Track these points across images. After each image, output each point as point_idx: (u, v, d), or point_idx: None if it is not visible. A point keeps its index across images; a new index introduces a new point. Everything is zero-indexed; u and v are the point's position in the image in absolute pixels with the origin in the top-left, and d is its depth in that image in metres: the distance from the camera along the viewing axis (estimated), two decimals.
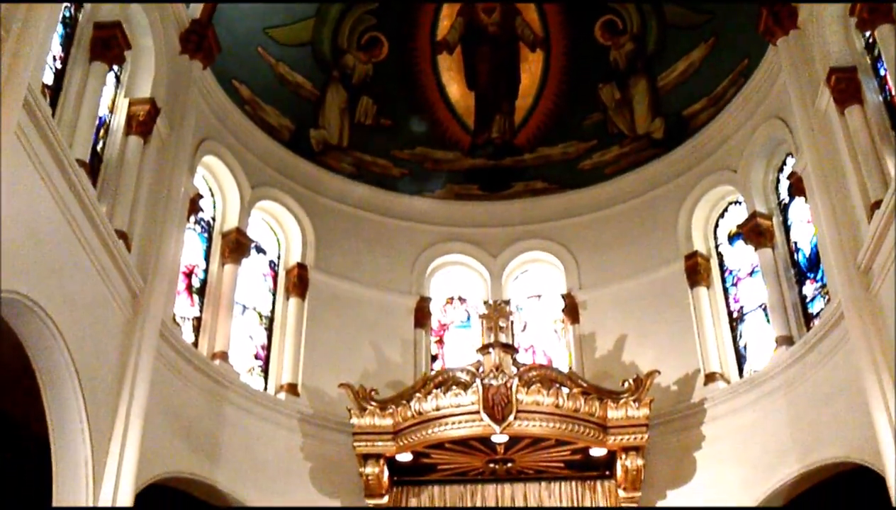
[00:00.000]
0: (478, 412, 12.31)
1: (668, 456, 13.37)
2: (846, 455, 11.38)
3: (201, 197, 13.79)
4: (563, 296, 15.60)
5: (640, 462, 12.51)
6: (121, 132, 12.02)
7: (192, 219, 13.79)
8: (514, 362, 12.95)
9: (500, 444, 12.61)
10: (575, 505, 13.14)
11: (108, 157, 11.73)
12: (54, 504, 9.73)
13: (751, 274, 14.45)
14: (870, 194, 11.07)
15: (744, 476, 12.74)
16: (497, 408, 12.26)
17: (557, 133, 16.23)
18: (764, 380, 12.98)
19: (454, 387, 12.59)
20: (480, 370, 12.72)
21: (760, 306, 14.04)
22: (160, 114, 12.38)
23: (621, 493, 12.72)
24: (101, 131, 11.76)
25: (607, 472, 13.13)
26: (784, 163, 14.18)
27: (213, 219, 14.60)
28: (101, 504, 9.96)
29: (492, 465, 13.12)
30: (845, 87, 11.76)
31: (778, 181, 14.37)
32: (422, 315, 15.53)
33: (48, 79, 10.12)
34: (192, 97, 13.39)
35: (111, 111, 12.11)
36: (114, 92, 12.20)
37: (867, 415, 10.46)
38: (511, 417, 12.24)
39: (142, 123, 12.08)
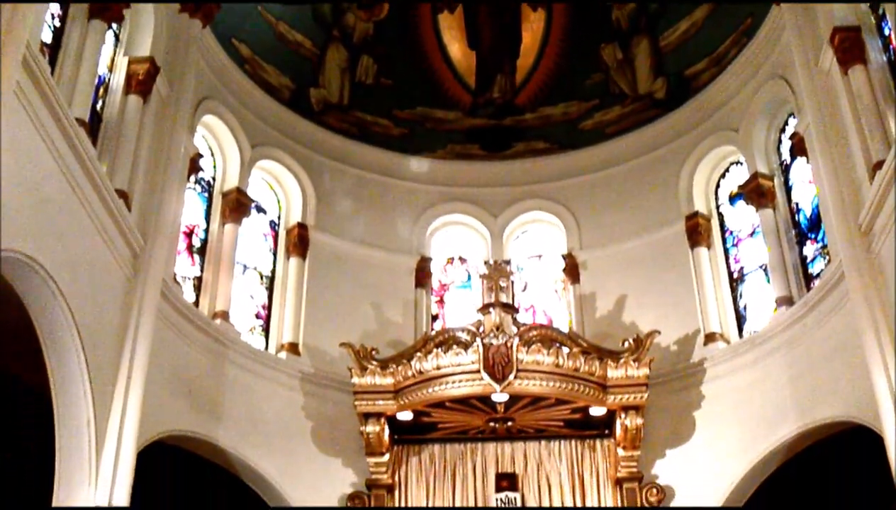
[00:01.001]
0: (478, 371, 12.35)
1: (667, 415, 13.43)
2: (844, 414, 11.44)
3: (201, 156, 13.77)
4: (563, 257, 15.60)
5: (639, 421, 12.57)
6: (120, 91, 11.96)
7: (193, 178, 13.78)
8: (515, 322, 12.97)
9: (500, 403, 12.66)
10: (574, 463, 13.21)
11: (107, 117, 11.70)
12: (57, 462, 9.80)
13: (751, 234, 14.45)
14: (872, 155, 11.03)
15: (742, 435, 12.82)
16: (497, 367, 12.30)
17: (559, 93, 16.15)
18: (763, 340, 13.02)
19: (454, 346, 12.63)
20: (481, 330, 12.75)
21: (761, 267, 14.06)
22: (159, 73, 12.32)
23: (620, 452, 12.78)
24: (101, 90, 11.71)
25: (607, 431, 13.20)
26: (786, 123, 14.13)
27: (214, 178, 14.59)
28: (103, 461, 10.03)
29: (492, 424, 13.18)
30: (849, 46, 11.67)
31: (780, 141, 14.33)
32: (422, 275, 15.55)
33: (47, 37, 10.06)
34: (191, 56, 13.30)
35: (110, 70, 12.05)
36: (113, 51, 12.14)
37: (866, 375, 10.50)
38: (511, 376, 12.28)
39: (141, 82, 12.01)
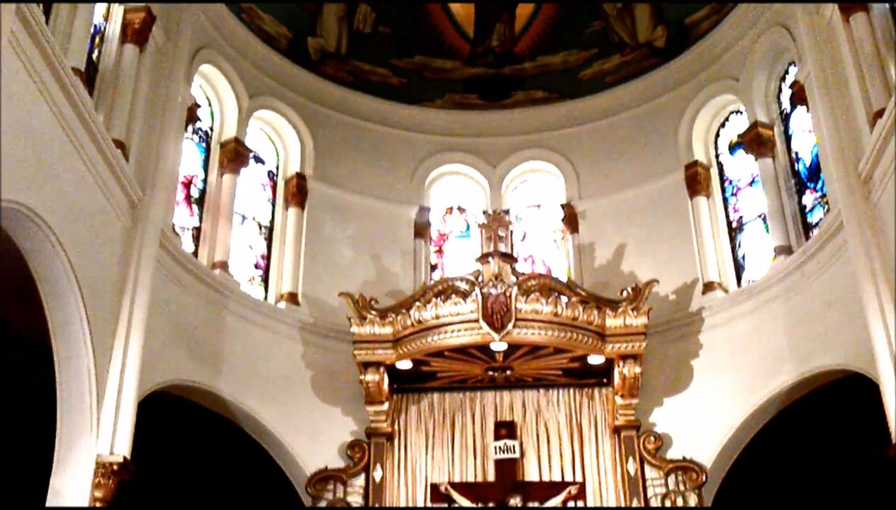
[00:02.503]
0: (477, 320, 12.38)
1: (665, 364, 13.48)
2: (842, 363, 11.50)
3: (199, 106, 13.72)
4: (562, 206, 15.59)
5: (637, 370, 12.61)
6: (116, 41, 11.87)
7: (190, 128, 13.74)
8: (514, 271, 12.98)
9: (498, 352, 12.71)
10: (572, 412, 13.30)
11: (103, 67, 11.62)
12: (59, 412, 9.87)
13: (751, 183, 14.43)
14: (872, 103, 11.00)
15: (740, 384, 12.89)
16: (496, 316, 12.33)
17: (558, 41, 16.00)
18: (762, 289, 13.06)
19: (453, 295, 12.65)
20: (480, 279, 12.76)
21: (760, 216, 14.05)
22: (156, 22, 12.22)
23: (618, 400, 12.85)
24: (97, 40, 11.62)
25: (605, 380, 13.26)
26: (786, 72, 14.05)
27: (211, 129, 14.54)
28: (104, 411, 10.11)
29: (490, 373, 13.25)
30: None
31: (780, 90, 14.26)
32: (421, 225, 15.55)
33: None
34: (187, 5, 13.19)
35: (106, 19, 11.94)
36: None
37: (863, 323, 10.55)
38: (510, 325, 12.31)
39: (137, 32, 11.93)
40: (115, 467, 9.95)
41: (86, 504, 9.71)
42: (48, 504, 9.65)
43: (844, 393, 11.93)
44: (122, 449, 10.16)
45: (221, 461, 13.64)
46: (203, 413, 12.89)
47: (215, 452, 13.52)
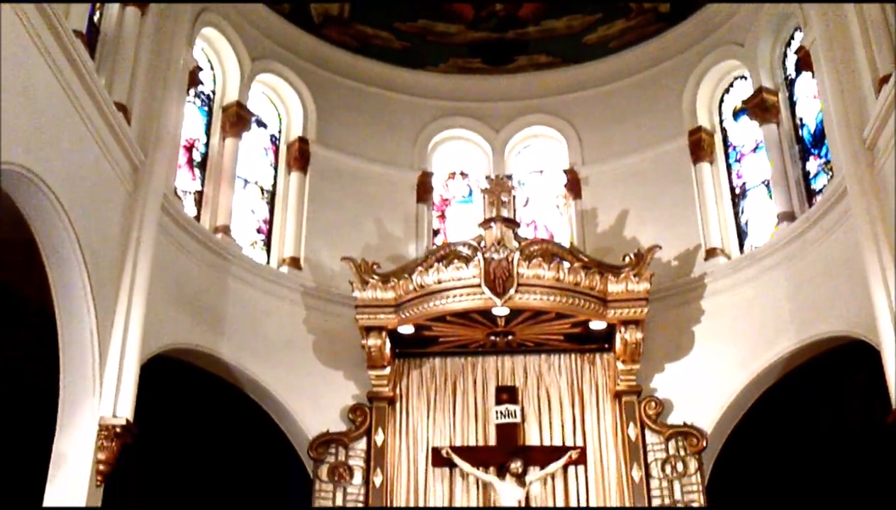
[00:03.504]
0: (479, 285, 12.39)
1: (667, 329, 13.50)
2: (844, 329, 11.51)
3: (201, 70, 13.65)
4: (565, 172, 15.54)
5: (639, 335, 12.63)
6: (117, 3, 11.78)
7: (192, 92, 13.68)
8: (516, 236, 12.99)
9: (500, 317, 12.72)
10: (573, 377, 13.34)
11: (105, 29, 11.55)
12: (62, 375, 9.90)
13: (754, 150, 14.38)
14: (878, 69, 10.92)
15: (741, 350, 12.92)
16: (498, 281, 12.33)
17: (562, 5, 15.80)
18: (764, 255, 13.05)
19: (456, 260, 12.65)
20: (482, 244, 12.76)
21: (763, 182, 14.02)
22: None
23: (620, 366, 12.88)
24: (98, 2, 11.54)
25: (606, 345, 13.28)
26: (792, 37, 13.96)
27: (213, 92, 14.48)
28: (107, 374, 10.15)
29: (492, 338, 13.27)
30: None
31: (785, 56, 14.18)
32: (424, 190, 15.51)
33: None
34: None
35: None
36: None
37: (866, 290, 10.55)
38: (512, 290, 12.31)
39: None
40: (117, 430, 10.00)
41: (90, 466, 9.77)
42: (51, 467, 9.70)
43: (846, 359, 11.95)
44: (125, 411, 10.20)
45: (223, 425, 13.71)
46: (205, 377, 12.94)
47: (217, 416, 13.58)
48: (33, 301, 10.41)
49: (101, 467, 9.90)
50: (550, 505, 12.61)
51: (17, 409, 12.32)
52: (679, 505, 12.40)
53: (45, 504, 9.58)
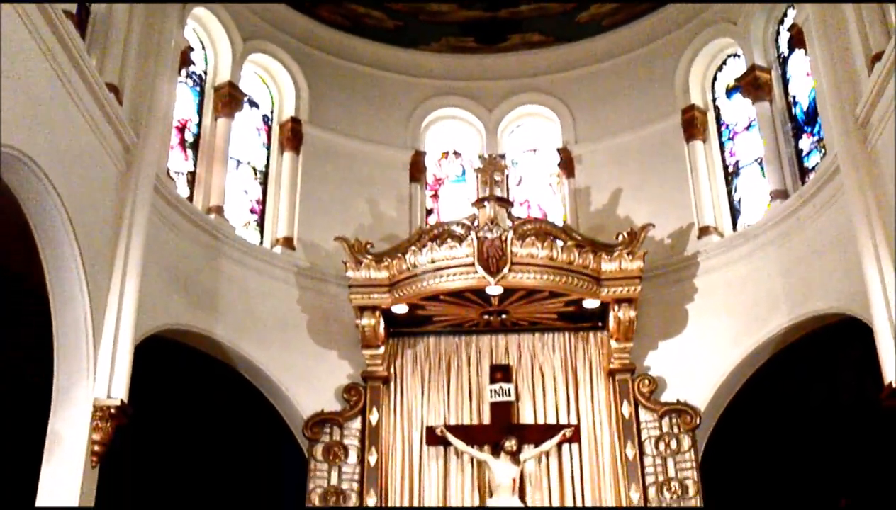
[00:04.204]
0: (472, 264, 12.41)
1: (660, 308, 13.54)
2: (836, 306, 11.55)
3: (192, 50, 13.60)
4: (558, 151, 15.53)
5: (632, 314, 12.68)
6: None
7: (184, 72, 13.64)
8: (509, 215, 12.97)
9: (494, 296, 12.74)
10: (567, 355, 13.38)
11: (95, 9, 11.44)
12: (56, 357, 9.91)
13: (747, 128, 14.38)
14: (871, 46, 10.91)
15: (734, 327, 12.96)
16: (491, 260, 12.35)
17: None
18: (757, 233, 13.08)
19: (449, 240, 12.66)
20: (475, 223, 12.76)
21: (756, 160, 14.02)
22: None
23: (613, 344, 12.93)
24: None
25: (600, 324, 13.32)
26: (785, 15, 13.95)
27: (205, 73, 14.43)
28: (101, 355, 10.15)
29: (486, 317, 13.29)
30: None
31: (778, 33, 14.16)
32: (417, 169, 15.50)
33: None
34: None
35: None
36: None
37: (858, 267, 10.57)
38: (505, 269, 12.34)
39: None
40: (112, 410, 10.00)
41: (84, 447, 9.79)
42: (47, 447, 9.72)
43: (838, 336, 11.99)
44: (120, 392, 10.20)
45: (218, 405, 13.71)
46: (199, 357, 12.95)
47: (212, 396, 13.59)
48: (28, 282, 10.37)
49: (96, 448, 9.91)
50: (545, 483, 12.68)
51: (14, 399, 12.30)
52: (674, 482, 12.46)
53: (41, 484, 9.58)
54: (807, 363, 12.79)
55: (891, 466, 12.32)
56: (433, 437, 12.89)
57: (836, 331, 11.94)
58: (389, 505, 12.64)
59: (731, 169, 14.45)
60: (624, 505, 12.40)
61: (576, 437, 12.86)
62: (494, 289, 12.52)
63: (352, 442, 12.97)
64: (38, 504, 9.54)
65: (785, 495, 13.16)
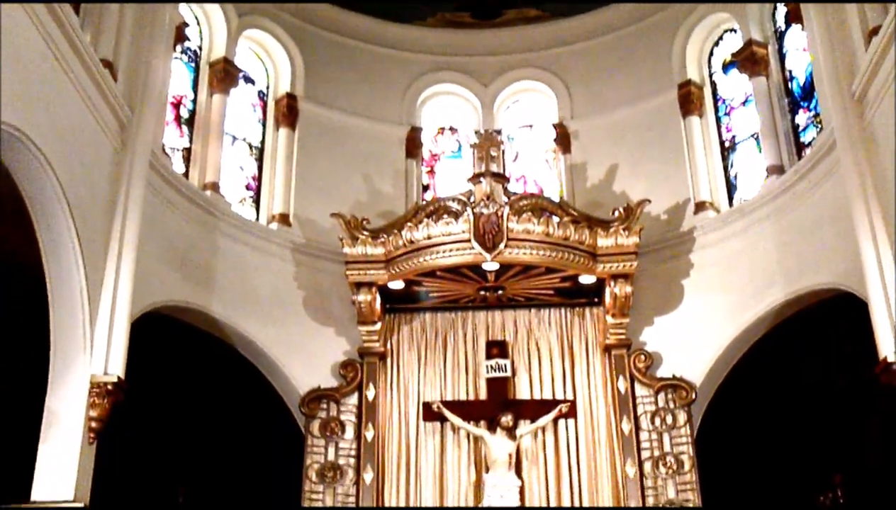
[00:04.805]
0: (469, 240, 12.40)
1: (656, 283, 13.57)
2: (831, 282, 11.58)
3: (187, 25, 13.54)
4: (554, 126, 15.50)
5: (628, 289, 12.68)
6: None
7: (179, 48, 13.57)
8: (505, 191, 12.96)
9: (490, 272, 12.75)
10: (563, 331, 13.40)
11: None
12: (52, 333, 9.90)
13: (744, 103, 14.36)
14: (868, 20, 10.88)
15: (730, 302, 12.99)
16: (488, 236, 12.35)
17: None
18: (753, 208, 13.08)
19: (445, 216, 12.66)
20: (471, 199, 12.76)
21: (752, 135, 14.01)
22: None
23: (609, 320, 12.94)
24: None
25: (596, 299, 13.34)
26: None
27: (200, 48, 14.37)
28: (98, 331, 10.14)
29: (482, 293, 13.30)
30: None
31: (775, 8, 14.10)
32: (413, 145, 15.47)
33: None
34: None
35: None
36: None
37: (854, 243, 10.59)
38: (502, 245, 12.33)
39: None
40: (109, 387, 10.01)
41: (81, 423, 9.80)
42: (44, 424, 9.73)
43: (834, 311, 12.01)
44: (116, 369, 10.21)
45: (215, 381, 13.70)
46: (196, 333, 12.96)
47: (208, 373, 13.57)
48: (24, 259, 10.35)
49: (94, 424, 9.93)
50: (541, 458, 12.73)
51: (11, 377, 12.29)
52: (669, 457, 12.52)
53: (39, 461, 9.60)
54: (802, 338, 12.81)
55: (885, 441, 12.36)
56: (430, 413, 12.93)
57: (831, 306, 11.97)
58: (386, 479, 12.69)
59: (727, 144, 14.44)
60: (619, 478, 12.46)
61: (572, 413, 12.90)
62: (491, 265, 12.53)
63: (348, 417, 13.01)
64: (35, 480, 9.56)
65: (780, 470, 13.20)
